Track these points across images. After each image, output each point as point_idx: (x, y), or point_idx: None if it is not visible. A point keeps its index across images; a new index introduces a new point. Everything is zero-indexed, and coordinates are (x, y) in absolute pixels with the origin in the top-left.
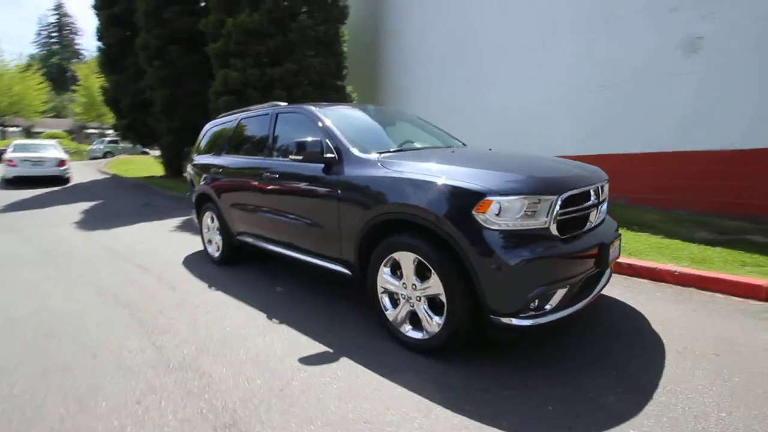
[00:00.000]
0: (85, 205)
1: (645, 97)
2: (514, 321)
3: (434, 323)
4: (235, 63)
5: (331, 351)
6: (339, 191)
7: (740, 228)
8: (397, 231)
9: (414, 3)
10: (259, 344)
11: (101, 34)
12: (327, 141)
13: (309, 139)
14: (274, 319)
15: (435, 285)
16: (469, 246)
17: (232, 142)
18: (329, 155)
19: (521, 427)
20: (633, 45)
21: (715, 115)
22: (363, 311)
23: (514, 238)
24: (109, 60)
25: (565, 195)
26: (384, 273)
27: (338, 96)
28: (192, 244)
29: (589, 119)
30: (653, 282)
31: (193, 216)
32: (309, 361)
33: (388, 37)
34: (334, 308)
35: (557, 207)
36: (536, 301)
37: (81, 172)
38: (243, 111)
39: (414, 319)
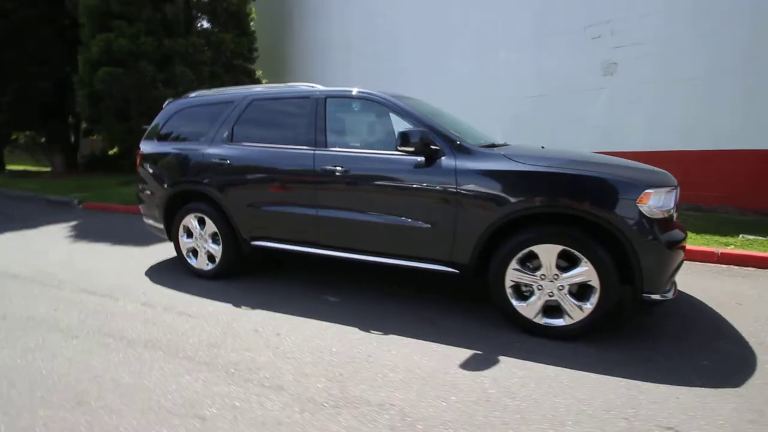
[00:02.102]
0: None
1: (570, 106)
2: (661, 297)
3: (583, 308)
4: (120, 27)
5: (480, 353)
6: (456, 187)
7: None
8: (526, 225)
9: None
10: (397, 361)
11: None
12: (428, 132)
13: (413, 128)
14: (372, 331)
15: (586, 273)
16: (636, 234)
17: (239, 127)
18: (434, 147)
19: (711, 379)
20: (560, 62)
21: (624, 124)
22: (450, 308)
23: (665, 225)
24: None
25: (678, 186)
26: (514, 267)
27: (249, 80)
28: (125, 256)
29: (520, 123)
30: None
31: (150, 221)
32: (471, 366)
33: (302, 18)
34: (421, 309)
35: (678, 196)
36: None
37: None
38: (245, 89)
39: (547, 308)
